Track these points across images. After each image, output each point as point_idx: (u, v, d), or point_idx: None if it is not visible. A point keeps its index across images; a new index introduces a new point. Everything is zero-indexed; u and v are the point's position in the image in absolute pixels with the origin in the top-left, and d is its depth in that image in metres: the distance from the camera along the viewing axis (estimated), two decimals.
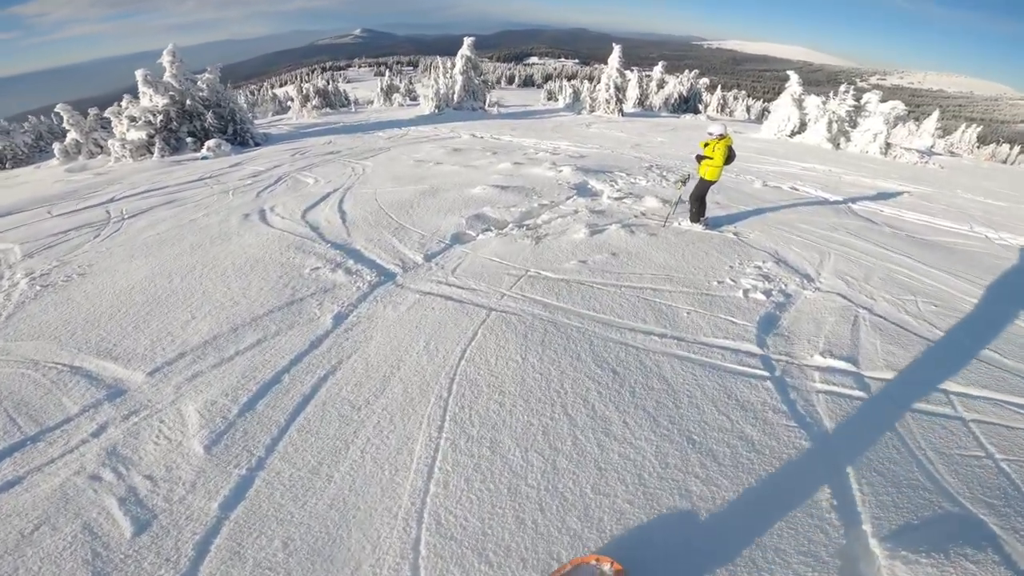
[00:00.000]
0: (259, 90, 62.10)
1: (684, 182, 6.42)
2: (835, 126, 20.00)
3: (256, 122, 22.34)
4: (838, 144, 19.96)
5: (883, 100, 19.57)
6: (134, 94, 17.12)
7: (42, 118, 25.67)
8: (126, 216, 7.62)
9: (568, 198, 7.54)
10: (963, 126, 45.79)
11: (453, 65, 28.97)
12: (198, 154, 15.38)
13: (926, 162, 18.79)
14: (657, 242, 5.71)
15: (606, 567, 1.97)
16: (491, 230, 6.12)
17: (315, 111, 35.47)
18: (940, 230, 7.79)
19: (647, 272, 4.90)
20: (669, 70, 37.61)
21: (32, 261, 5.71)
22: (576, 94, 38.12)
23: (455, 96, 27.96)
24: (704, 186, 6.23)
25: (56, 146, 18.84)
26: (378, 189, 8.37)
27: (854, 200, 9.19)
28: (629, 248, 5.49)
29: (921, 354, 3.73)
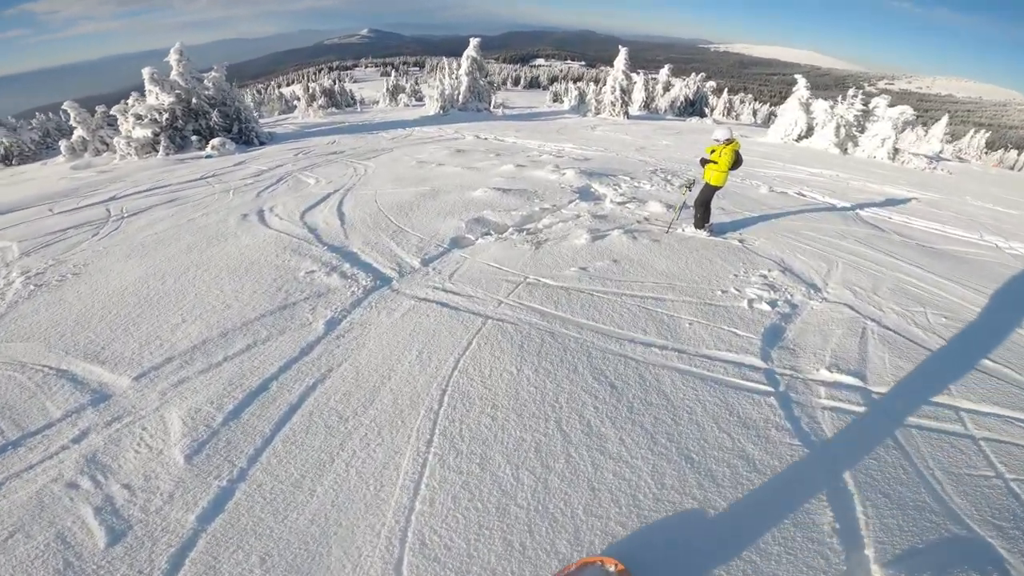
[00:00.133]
0: (266, 89, 62.38)
1: (689, 187, 6.29)
2: (843, 131, 19.83)
3: (262, 121, 22.44)
4: (845, 149, 19.77)
5: (891, 105, 19.38)
6: (142, 92, 17.19)
7: (50, 115, 25.86)
8: (126, 215, 7.59)
9: (570, 202, 7.44)
10: (972, 131, 45.41)
11: (459, 66, 28.98)
12: (202, 152, 15.42)
13: (934, 168, 18.58)
14: (660, 249, 5.60)
15: (611, 568, 1.99)
16: (491, 234, 6.03)
17: (321, 111, 35.67)
18: (950, 238, 7.64)
19: (649, 280, 4.79)
20: (675, 73, 37.49)
21: (29, 259, 5.67)
22: (582, 96, 38.00)
23: (460, 97, 27.96)
24: (709, 191, 6.11)
25: (63, 143, 18.96)
26: (379, 190, 8.30)
27: (862, 206, 9.05)
28: (631, 255, 5.38)
29: (931, 369, 3.61)
